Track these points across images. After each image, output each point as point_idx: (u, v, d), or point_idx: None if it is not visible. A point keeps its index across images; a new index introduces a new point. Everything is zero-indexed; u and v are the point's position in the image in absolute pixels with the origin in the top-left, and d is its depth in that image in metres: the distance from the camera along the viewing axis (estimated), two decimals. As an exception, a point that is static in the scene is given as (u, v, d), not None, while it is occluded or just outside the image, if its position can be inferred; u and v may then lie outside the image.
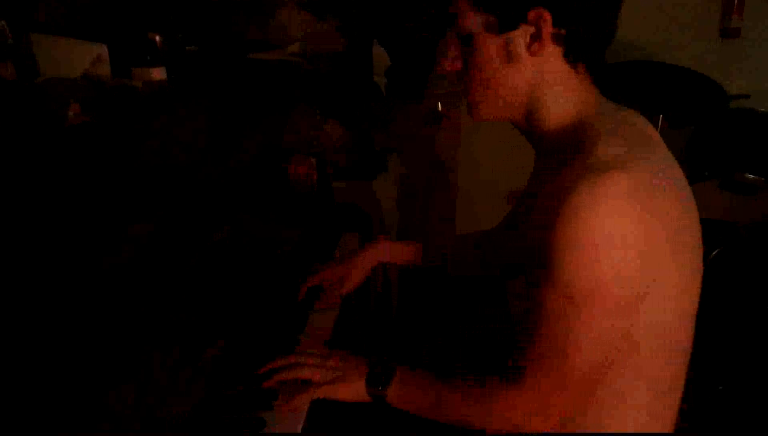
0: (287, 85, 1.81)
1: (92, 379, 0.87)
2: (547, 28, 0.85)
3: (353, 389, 0.98)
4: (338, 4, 2.05)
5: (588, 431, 0.91)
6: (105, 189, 1.05)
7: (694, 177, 2.03)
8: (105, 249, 0.99)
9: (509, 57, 0.88)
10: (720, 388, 1.93)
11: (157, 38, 1.38)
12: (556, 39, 0.86)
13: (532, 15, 0.85)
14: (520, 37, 0.87)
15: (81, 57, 1.23)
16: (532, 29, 0.86)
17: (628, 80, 2.16)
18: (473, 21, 0.89)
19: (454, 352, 1.75)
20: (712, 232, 2.05)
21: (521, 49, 0.87)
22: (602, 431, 0.91)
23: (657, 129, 2.11)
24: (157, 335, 1.00)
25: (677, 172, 0.91)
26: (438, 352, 1.80)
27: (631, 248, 0.79)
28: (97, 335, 0.91)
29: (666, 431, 0.95)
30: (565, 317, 0.82)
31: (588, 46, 0.88)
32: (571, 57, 0.88)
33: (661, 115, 2.06)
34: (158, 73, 1.35)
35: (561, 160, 0.87)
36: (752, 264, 2.05)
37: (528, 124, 0.95)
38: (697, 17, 2.40)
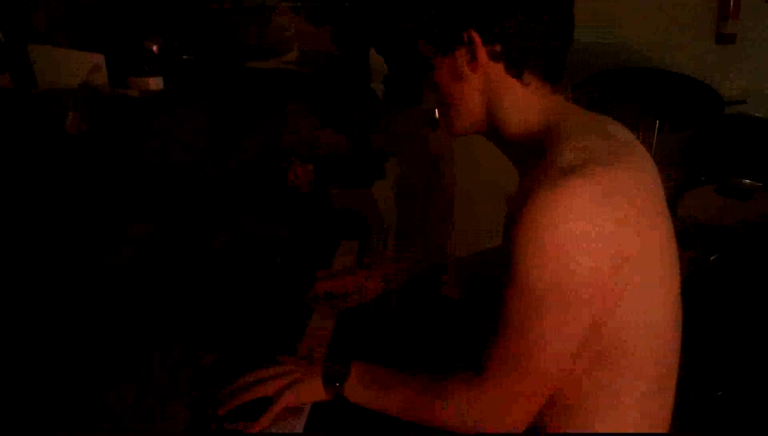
0: (285, 94, 1.81)
1: (92, 379, 0.87)
2: (479, 48, 0.91)
3: (312, 389, 1.00)
4: (335, 12, 2.05)
5: (585, 431, 0.92)
6: (102, 198, 1.05)
7: (690, 182, 2.04)
8: (103, 256, 1.00)
9: (458, 76, 0.95)
10: (719, 393, 1.93)
11: (154, 48, 1.38)
12: (493, 55, 0.91)
13: (464, 36, 0.91)
14: (461, 57, 0.93)
15: (78, 67, 1.23)
16: (468, 49, 0.92)
17: (624, 86, 2.16)
18: (424, 46, 0.96)
19: (453, 352, 1.75)
20: (709, 237, 2.06)
21: (464, 68, 0.94)
22: (599, 431, 0.92)
23: (654, 134, 2.13)
24: (157, 336, 1.00)
25: (650, 173, 0.93)
26: (438, 352, 1.80)
27: (592, 248, 0.81)
28: (98, 335, 0.92)
29: (662, 430, 0.96)
30: (528, 317, 0.84)
31: (528, 59, 0.92)
32: (514, 70, 0.92)
33: (657, 121, 2.06)
34: (155, 83, 1.35)
35: (529, 166, 0.90)
36: (749, 269, 2.05)
37: (495, 136, 1.00)
38: (693, 21, 2.41)
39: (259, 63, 1.85)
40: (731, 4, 2.33)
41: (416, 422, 0.96)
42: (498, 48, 0.91)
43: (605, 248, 0.81)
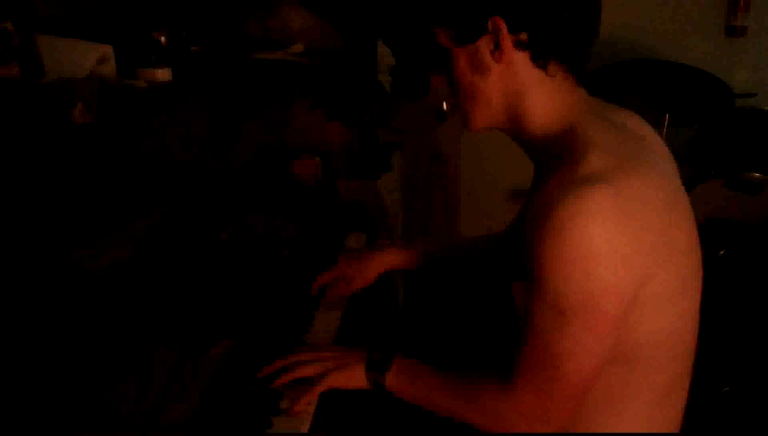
0: (291, 85, 1.81)
1: (94, 377, 0.87)
2: (505, 36, 0.86)
3: (353, 376, 1.01)
4: (341, 4, 2.05)
5: (592, 430, 0.92)
6: (110, 187, 1.05)
7: (699, 176, 2.03)
8: (108, 247, 1.00)
9: (479, 67, 0.91)
10: (726, 389, 1.93)
11: (162, 38, 1.38)
12: (519, 45, 0.87)
13: (489, 25, 0.87)
14: (484, 47, 0.89)
15: (86, 57, 1.23)
16: (492, 38, 0.88)
17: (633, 78, 2.15)
18: (443, 36, 0.92)
19: (459, 349, 1.75)
20: (718, 231, 2.05)
21: (487, 59, 0.89)
22: (607, 430, 0.91)
23: (663, 128, 2.13)
24: (162, 333, 1.00)
25: (670, 172, 0.93)
26: (443, 349, 1.80)
27: (618, 260, 0.80)
28: (99, 331, 0.92)
29: (672, 430, 0.96)
30: (554, 329, 0.83)
31: (555, 48, 0.88)
32: (540, 61, 0.88)
33: (666, 114, 2.05)
34: (163, 74, 1.35)
35: (551, 167, 0.88)
36: (758, 264, 2.04)
37: (515, 132, 0.96)
38: (702, 14, 2.39)
39: (266, 54, 1.85)
40: (742, -4, 2.31)
41: (454, 420, 0.96)
42: (524, 37, 0.86)
43: (625, 256, 0.80)
